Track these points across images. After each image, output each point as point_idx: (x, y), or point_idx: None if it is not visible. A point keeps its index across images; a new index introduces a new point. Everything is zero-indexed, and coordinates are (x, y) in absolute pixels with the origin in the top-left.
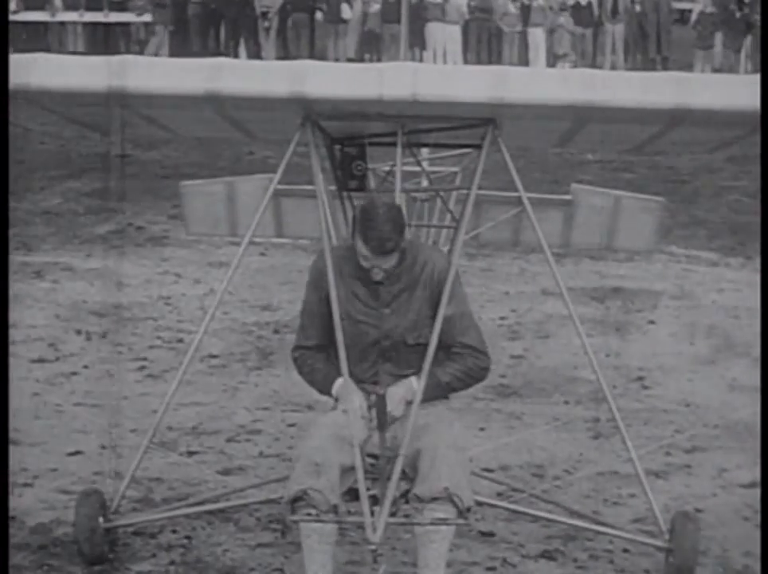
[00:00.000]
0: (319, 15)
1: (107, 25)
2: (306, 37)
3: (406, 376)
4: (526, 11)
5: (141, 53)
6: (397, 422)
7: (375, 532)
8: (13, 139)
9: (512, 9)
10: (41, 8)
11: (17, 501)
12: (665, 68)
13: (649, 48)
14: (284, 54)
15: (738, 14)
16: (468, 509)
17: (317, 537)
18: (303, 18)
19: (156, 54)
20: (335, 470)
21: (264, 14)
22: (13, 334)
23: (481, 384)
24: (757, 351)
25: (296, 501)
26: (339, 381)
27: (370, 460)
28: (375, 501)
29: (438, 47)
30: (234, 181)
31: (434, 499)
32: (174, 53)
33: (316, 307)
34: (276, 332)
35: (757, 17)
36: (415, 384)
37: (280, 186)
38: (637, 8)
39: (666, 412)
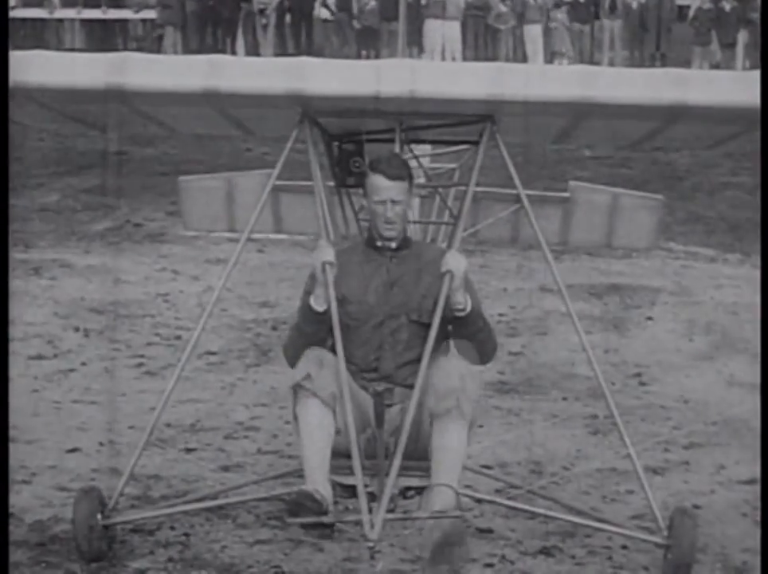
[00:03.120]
0: (324, 13)
1: (106, 22)
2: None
3: (409, 363)
4: (522, 8)
5: (139, 49)
6: (396, 416)
7: (373, 529)
8: (12, 135)
9: (502, 7)
10: (39, 5)
11: (15, 498)
12: (663, 65)
13: (648, 44)
14: (282, 51)
15: (728, 8)
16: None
17: (317, 421)
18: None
19: (175, 53)
20: (334, 366)
21: (262, 11)
22: (12, 331)
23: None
24: (755, 347)
25: (301, 386)
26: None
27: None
28: (373, 497)
29: (437, 44)
30: (232, 176)
31: (444, 414)
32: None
33: (331, 296)
34: (274, 328)
35: (753, 14)
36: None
37: (278, 182)
38: (634, 4)
39: (664, 408)
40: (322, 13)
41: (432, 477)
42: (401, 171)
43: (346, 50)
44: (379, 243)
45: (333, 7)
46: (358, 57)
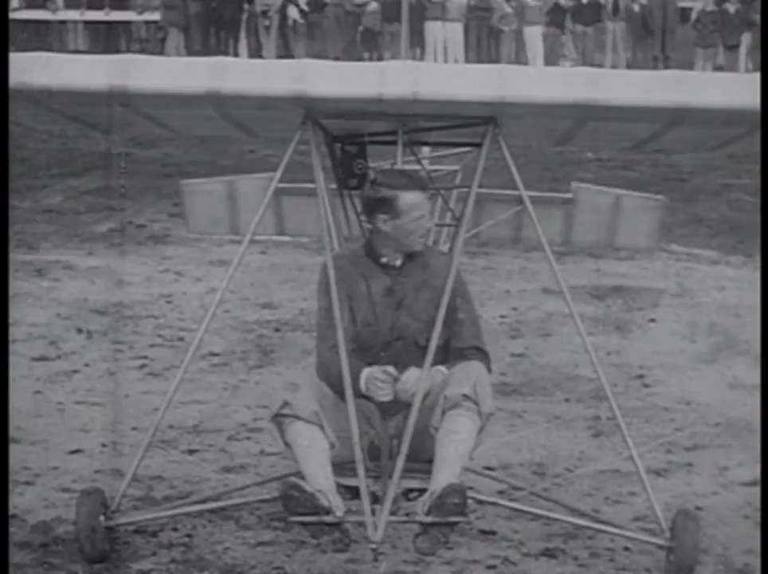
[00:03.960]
0: (294, 13)
1: (109, 24)
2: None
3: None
4: (522, 9)
5: (142, 51)
6: (400, 422)
7: (376, 531)
8: (15, 137)
9: (507, 8)
10: (42, 6)
11: (18, 499)
12: (666, 67)
13: (653, 46)
14: (285, 53)
15: (732, 10)
16: (488, 416)
17: (307, 442)
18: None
19: (178, 55)
20: (310, 385)
21: (265, 13)
22: (15, 332)
23: None
24: (758, 348)
25: (281, 415)
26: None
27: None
28: (376, 499)
29: (439, 46)
30: (235, 180)
31: (457, 404)
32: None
33: (330, 312)
34: (276, 330)
35: (756, 16)
36: (437, 376)
37: (280, 185)
38: (636, 7)
39: (667, 410)
40: (290, 12)
41: (435, 465)
42: (423, 181)
43: (317, 49)
44: (384, 260)
45: (303, 6)
46: (360, 58)
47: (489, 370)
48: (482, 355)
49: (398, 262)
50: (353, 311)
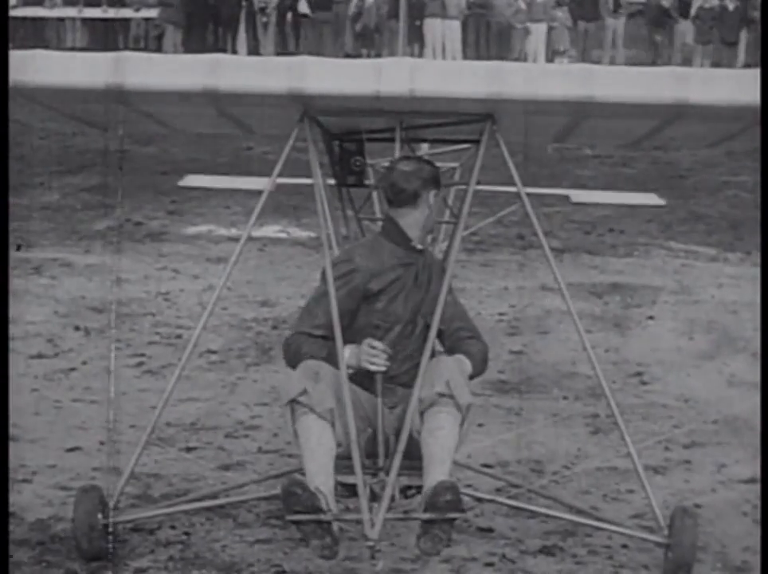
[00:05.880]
0: (304, 7)
1: (106, 21)
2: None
3: (416, 365)
4: (530, 6)
5: (140, 48)
6: (398, 417)
7: (373, 529)
8: (12, 134)
9: (522, 5)
10: (39, 3)
11: (15, 497)
12: (665, 63)
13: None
14: (283, 50)
15: (731, 7)
16: (468, 407)
17: (316, 439)
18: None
19: (176, 52)
20: (331, 378)
21: (263, 9)
22: (12, 330)
23: (480, 379)
24: (756, 346)
25: (296, 401)
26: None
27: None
28: (374, 496)
29: (437, 43)
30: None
31: (434, 403)
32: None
33: (323, 298)
34: (274, 327)
35: (754, 13)
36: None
37: (279, 181)
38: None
39: (665, 407)
40: (300, 7)
41: (425, 465)
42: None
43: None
44: (414, 243)
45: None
46: (358, 55)
47: (485, 351)
48: (480, 338)
49: (420, 246)
50: (372, 298)
